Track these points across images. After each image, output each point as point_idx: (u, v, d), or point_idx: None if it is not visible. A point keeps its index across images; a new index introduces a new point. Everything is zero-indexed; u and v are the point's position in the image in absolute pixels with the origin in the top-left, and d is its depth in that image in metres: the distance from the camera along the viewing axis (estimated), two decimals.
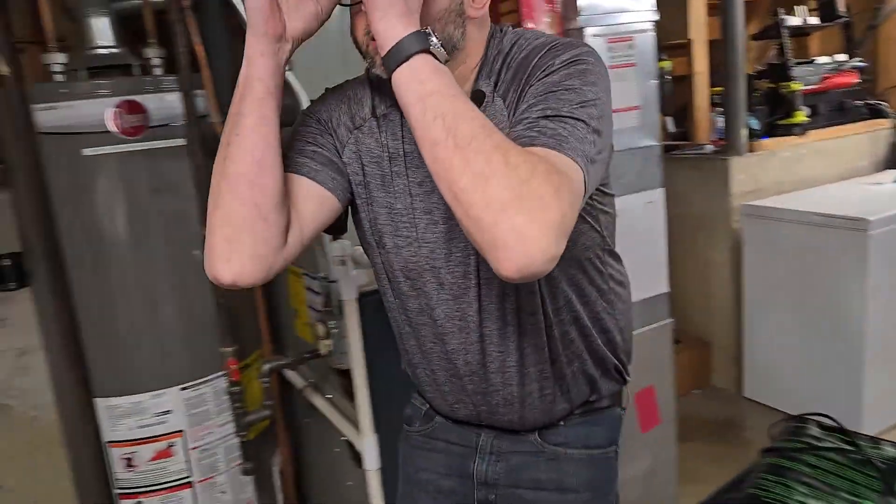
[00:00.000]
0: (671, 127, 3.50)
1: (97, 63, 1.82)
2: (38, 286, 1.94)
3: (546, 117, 0.81)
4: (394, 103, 0.98)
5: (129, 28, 1.94)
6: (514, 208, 0.70)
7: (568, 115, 0.82)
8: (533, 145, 0.78)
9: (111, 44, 1.85)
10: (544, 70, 0.88)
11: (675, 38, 3.26)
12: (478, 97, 0.96)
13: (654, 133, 2.06)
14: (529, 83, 0.89)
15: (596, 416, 1.15)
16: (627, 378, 1.18)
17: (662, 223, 2.11)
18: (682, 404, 2.33)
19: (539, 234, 0.70)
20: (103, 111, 1.69)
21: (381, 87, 1.02)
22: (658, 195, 2.09)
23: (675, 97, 3.34)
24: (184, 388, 1.88)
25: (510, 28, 1.02)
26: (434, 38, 0.82)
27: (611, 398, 1.16)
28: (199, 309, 1.89)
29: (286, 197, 0.91)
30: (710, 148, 3.30)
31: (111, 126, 1.70)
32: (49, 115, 1.72)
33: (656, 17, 1.98)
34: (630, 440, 2.10)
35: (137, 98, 1.73)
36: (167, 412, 1.86)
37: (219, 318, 1.86)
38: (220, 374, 1.91)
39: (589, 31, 1.89)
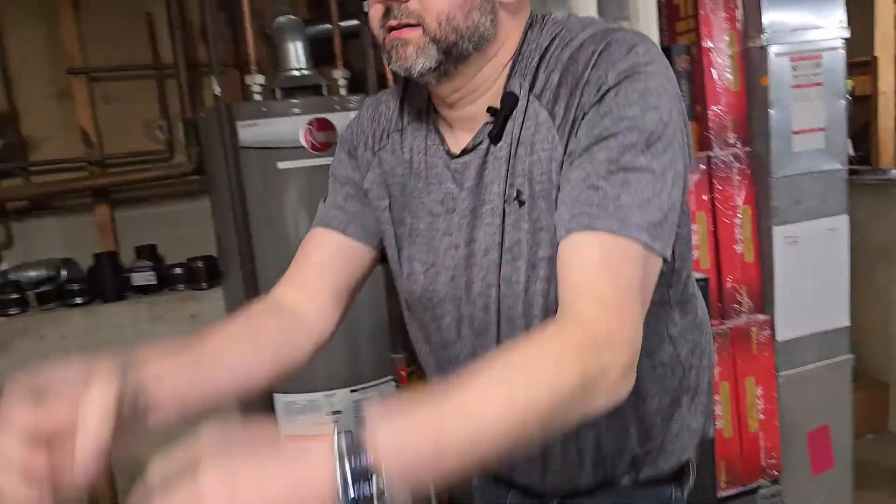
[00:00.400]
0: (850, 150, 3.27)
1: (291, 84, 1.99)
2: (230, 286, 2.12)
3: (608, 174, 0.72)
4: (419, 112, 0.92)
5: (312, 51, 2.10)
6: (590, 404, 0.66)
7: (630, 166, 0.71)
8: (593, 228, 0.70)
9: (304, 66, 2.01)
10: (598, 91, 0.75)
11: (856, 55, 3.05)
12: (509, 101, 0.81)
13: (839, 156, 1.95)
14: (582, 107, 0.76)
15: (630, 491, 0.95)
16: (691, 463, 0.98)
17: (846, 252, 1.99)
18: (855, 448, 2.16)
19: (620, 391, 0.67)
20: (297, 128, 1.84)
21: (411, 91, 0.94)
22: (842, 222, 1.97)
23: (855, 118, 3.13)
24: (353, 391, 1.98)
25: (552, 16, 0.86)
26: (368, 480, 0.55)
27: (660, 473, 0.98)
28: (371, 315, 1.99)
29: (290, 335, 0.91)
30: (894, 173, 3.06)
31: (304, 141, 1.84)
32: (250, 132, 1.89)
33: (846, 33, 1.88)
34: (802, 482, 1.99)
35: (327, 116, 1.86)
36: (338, 412, 1.97)
37: (390, 326, 1.95)
38: (387, 378, 2.00)
39: (773, 49, 1.82)
